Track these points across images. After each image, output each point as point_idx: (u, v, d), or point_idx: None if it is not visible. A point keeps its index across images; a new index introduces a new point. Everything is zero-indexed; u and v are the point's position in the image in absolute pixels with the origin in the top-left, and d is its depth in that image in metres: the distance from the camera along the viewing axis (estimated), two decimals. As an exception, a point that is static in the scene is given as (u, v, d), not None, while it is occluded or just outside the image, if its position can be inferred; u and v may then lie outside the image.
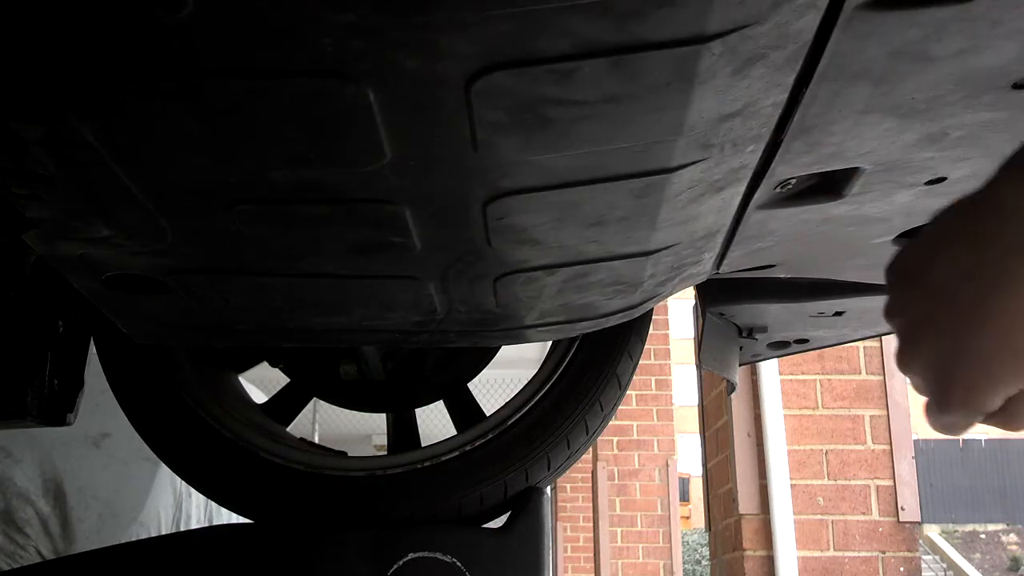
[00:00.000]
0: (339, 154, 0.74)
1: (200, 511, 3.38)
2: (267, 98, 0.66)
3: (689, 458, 16.35)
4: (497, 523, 1.50)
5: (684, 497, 15.11)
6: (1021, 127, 0.79)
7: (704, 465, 3.83)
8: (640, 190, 0.80)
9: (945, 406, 0.56)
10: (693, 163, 0.76)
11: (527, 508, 1.47)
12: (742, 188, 0.87)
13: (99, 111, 0.68)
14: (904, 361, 0.58)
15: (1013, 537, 21.22)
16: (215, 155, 0.74)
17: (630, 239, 0.92)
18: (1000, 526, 21.57)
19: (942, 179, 0.90)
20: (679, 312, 7.40)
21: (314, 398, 1.80)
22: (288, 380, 1.76)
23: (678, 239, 0.95)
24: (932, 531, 20.85)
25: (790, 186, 0.90)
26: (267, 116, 0.68)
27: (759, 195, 0.90)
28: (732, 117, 0.70)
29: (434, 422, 2.69)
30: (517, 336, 1.22)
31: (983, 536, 21.36)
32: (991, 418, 0.56)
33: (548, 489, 1.59)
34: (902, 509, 3.22)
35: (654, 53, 0.60)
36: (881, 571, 3.17)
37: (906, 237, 1.11)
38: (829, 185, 0.92)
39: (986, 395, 0.54)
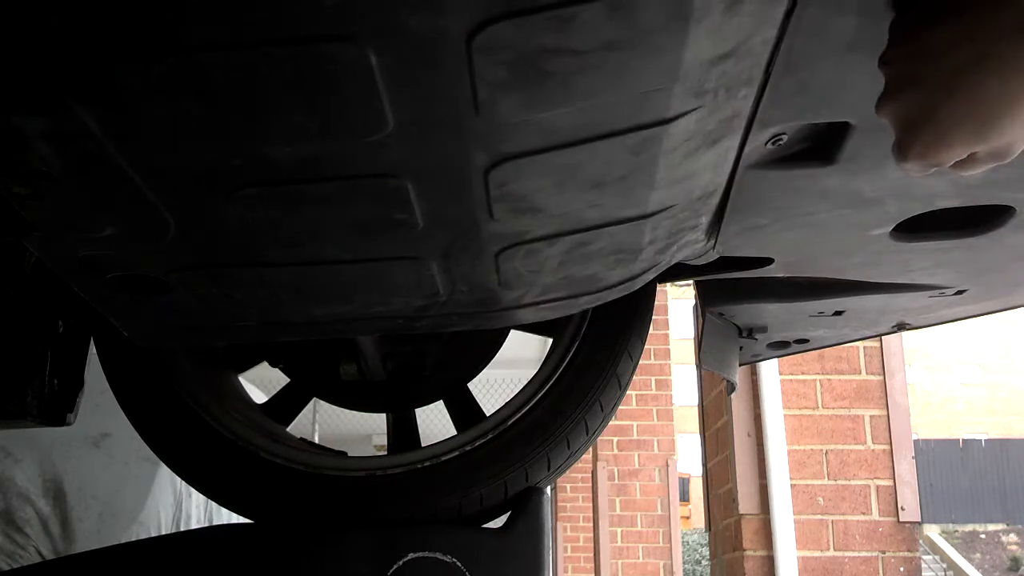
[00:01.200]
0: (341, 124, 0.74)
1: (200, 511, 3.39)
2: (268, 67, 0.66)
3: (689, 458, 16.36)
4: (497, 523, 1.50)
5: (684, 497, 15.12)
6: None
7: (704, 465, 3.83)
8: (638, 145, 0.81)
9: (903, 157, 0.65)
10: (689, 112, 0.77)
11: (527, 508, 1.47)
12: (736, 141, 0.88)
13: (101, 95, 0.68)
14: (881, 106, 0.66)
15: (1013, 537, 21.23)
16: (217, 134, 0.74)
17: (629, 201, 0.93)
18: (1000, 526, 21.58)
19: None
20: (679, 312, 7.40)
21: (314, 398, 1.80)
22: (288, 380, 1.77)
23: (675, 199, 0.95)
24: (932, 531, 20.86)
25: (782, 141, 0.90)
26: (268, 87, 0.68)
27: (752, 150, 0.91)
28: (725, 59, 0.71)
29: (434, 422, 2.69)
30: (519, 315, 1.22)
31: (983, 536, 21.36)
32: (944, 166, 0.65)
33: (548, 489, 1.59)
34: (902, 509, 3.22)
35: None
36: (881, 571, 3.17)
37: (902, 231, 1.11)
38: (820, 147, 0.92)
39: (940, 155, 0.63)
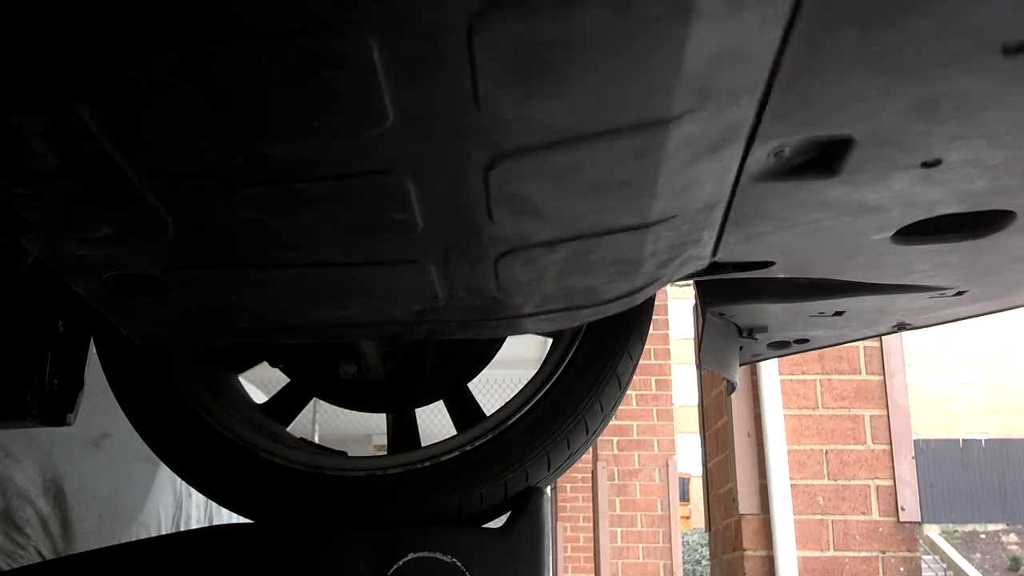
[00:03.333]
0: (342, 118, 0.74)
1: (200, 511, 3.39)
2: (269, 60, 0.66)
3: (689, 458, 16.37)
4: (497, 523, 1.50)
5: (684, 497, 15.13)
6: (1012, 102, 0.79)
7: (704, 465, 3.83)
8: (639, 148, 0.81)
9: None
10: (691, 112, 0.77)
11: (527, 508, 1.47)
12: (739, 150, 0.88)
13: (100, 91, 0.68)
14: None
15: (1013, 537, 21.24)
16: (217, 131, 0.74)
17: (630, 208, 0.92)
18: (1000, 526, 21.59)
19: (938, 161, 0.90)
20: (679, 312, 7.40)
21: (314, 398, 1.80)
22: (288, 380, 1.77)
23: (677, 209, 0.95)
24: (932, 531, 20.87)
25: (784, 155, 0.90)
26: (269, 81, 0.68)
27: (754, 162, 0.90)
28: (728, 58, 0.71)
29: (434, 422, 2.69)
30: (518, 325, 1.22)
31: (983, 536, 21.37)
32: None
33: (548, 489, 1.59)
34: (902, 509, 3.22)
35: None
36: (881, 571, 3.17)
37: (903, 234, 1.11)
38: (823, 160, 0.92)
39: None
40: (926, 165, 0.90)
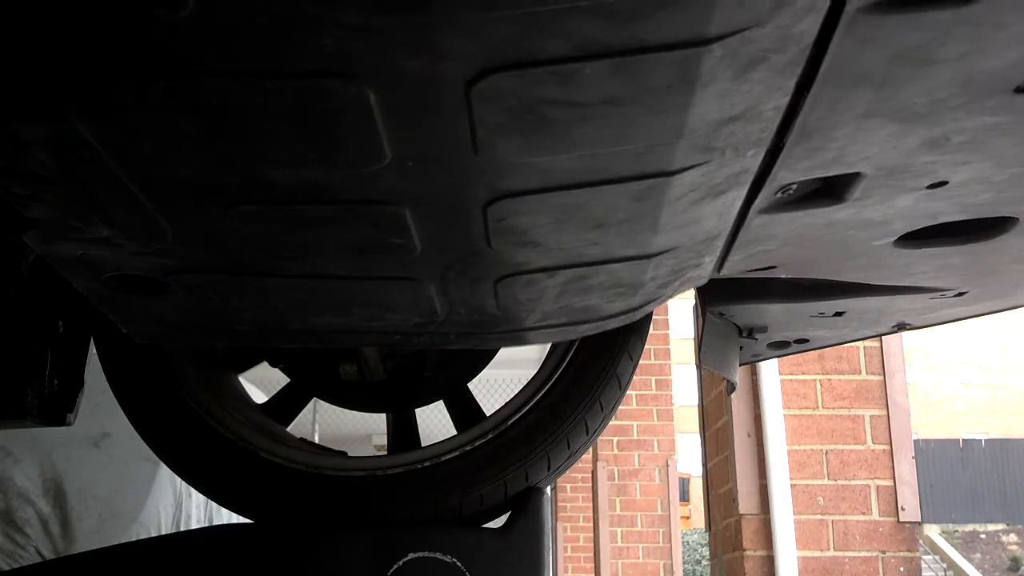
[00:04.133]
0: (339, 155, 0.73)
1: (200, 511, 3.39)
2: (266, 98, 0.66)
3: (689, 458, 16.36)
4: (497, 523, 1.50)
5: (684, 497, 15.11)
6: (1022, 130, 0.79)
7: (704, 465, 3.83)
8: (641, 193, 0.80)
9: None
10: (694, 167, 0.76)
11: (527, 508, 1.47)
12: (743, 192, 0.87)
13: (98, 111, 0.68)
14: None
15: (1013, 537, 21.23)
16: (214, 155, 0.74)
17: (631, 242, 0.92)
18: (1000, 526, 21.58)
19: (944, 183, 0.89)
20: (679, 312, 7.40)
21: (314, 398, 1.80)
22: (288, 380, 1.76)
23: (679, 242, 0.95)
24: (932, 531, 20.86)
25: (791, 191, 0.90)
26: (266, 117, 0.68)
27: (760, 200, 0.90)
28: (733, 121, 0.70)
29: (434, 422, 2.69)
30: (517, 338, 1.22)
31: (983, 536, 21.36)
32: None
33: (548, 489, 1.59)
34: (902, 509, 3.22)
35: (655, 55, 0.60)
36: (881, 571, 3.17)
37: (905, 239, 1.11)
38: (830, 190, 0.91)
39: None
40: (932, 187, 0.90)
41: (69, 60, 0.62)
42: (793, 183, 0.88)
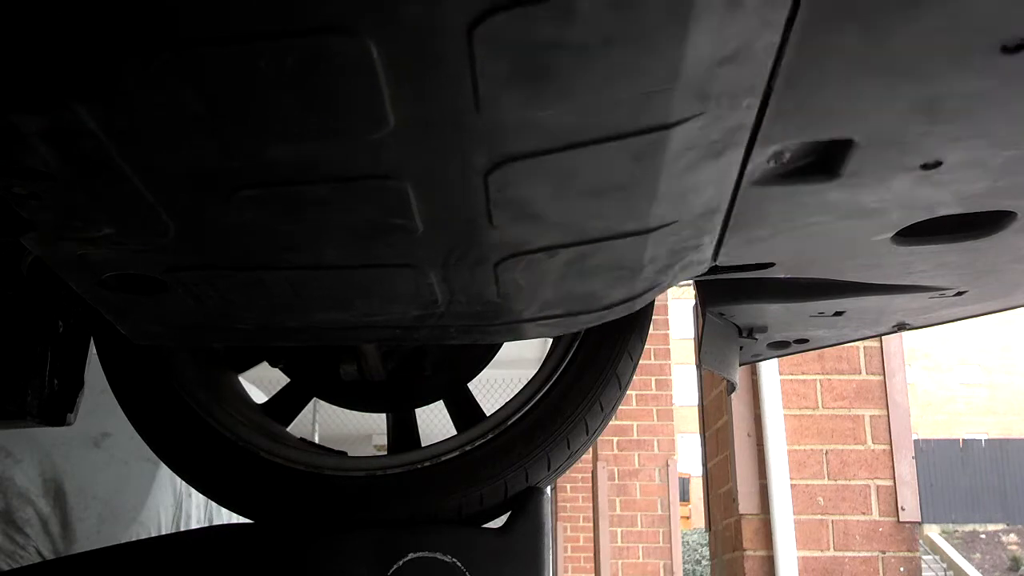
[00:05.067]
0: (342, 121, 0.74)
1: (200, 511, 3.39)
2: (268, 62, 0.66)
3: (689, 458, 16.37)
4: (497, 523, 1.50)
5: (684, 497, 15.12)
6: (1012, 102, 0.79)
7: (704, 465, 3.83)
8: (639, 151, 0.81)
9: None
10: (691, 117, 0.77)
11: (527, 508, 1.47)
12: (739, 155, 0.88)
13: (100, 92, 0.68)
14: None
15: (1013, 537, 21.24)
16: (216, 133, 0.74)
17: (630, 213, 0.93)
18: (1000, 526, 21.59)
19: (938, 163, 0.90)
20: (679, 312, 7.40)
21: (314, 398, 1.80)
22: (288, 380, 1.77)
23: (677, 215, 0.95)
24: (932, 531, 20.88)
25: (784, 159, 0.90)
26: (268, 82, 0.68)
27: (754, 167, 0.91)
28: (727, 61, 0.71)
29: (434, 422, 2.69)
30: (517, 331, 1.22)
31: (983, 536, 21.37)
32: None
33: (548, 489, 1.59)
34: (902, 509, 3.22)
35: None
36: (881, 571, 3.17)
37: (903, 235, 1.11)
38: (823, 163, 0.92)
39: None
40: (926, 167, 0.90)
41: (68, 41, 0.62)
42: (786, 149, 0.88)
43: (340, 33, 0.63)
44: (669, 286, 1.17)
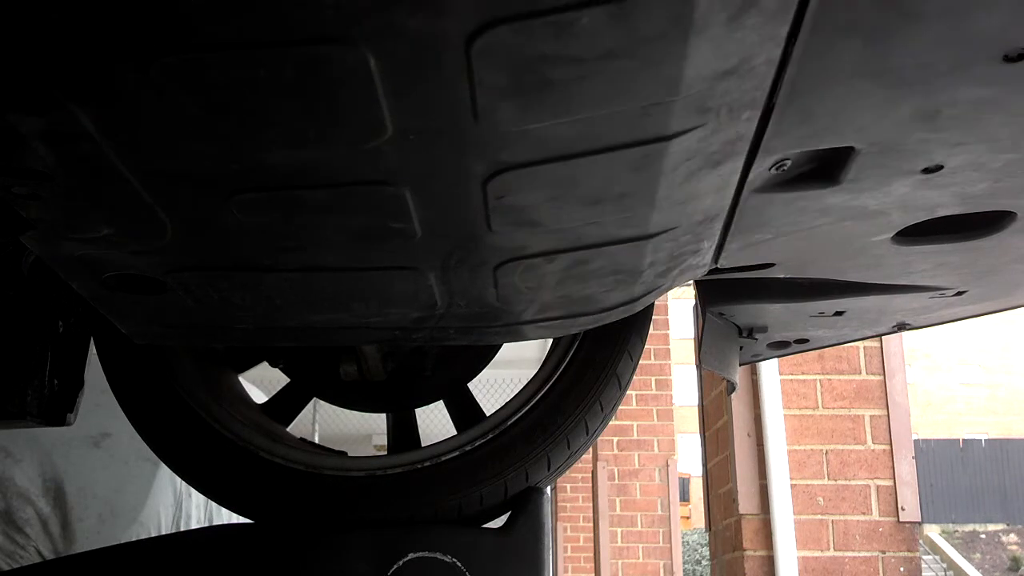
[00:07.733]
0: (340, 129, 0.73)
1: (200, 511, 3.39)
2: (266, 70, 0.66)
3: (689, 458, 16.36)
4: (497, 523, 1.50)
5: (684, 497, 15.11)
6: (1014, 108, 0.79)
7: (704, 465, 3.83)
8: (638, 161, 0.80)
9: None
10: (690, 129, 0.76)
11: (527, 508, 1.47)
12: (739, 164, 0.87)
13: (98, 95, 0.68)
14: None
15: (1013, 537, 21.23)
16: (214, 138, 0.74)
17: (629, 220, 0.92)
18: (1000, 526, 21.58)
19: (939, 167, 0.89)
20: (679, 312, 7.40)
21: (314, 398, 1.80)
22: (288, 380, 1.77)
23: (677, 222, 0.95)
24: (932, 531, 20.86)
25: (786, 167, 0.90)
26: (267, 90, 0.68)
27: (755, 175, 0.90)
28: (728, 75, 0.70)
29: (434, 422, 2.69)
30: (516, 332, 1.22)
31: (983, 536, 21.36)
32: None
33: (548, 489, 1.59)
34: (902, 509, 3.22)
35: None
36: (881, 571, 3.17)
37: (903, 235, 1.11)
38: (824, 169, 0.91)
39: None
40: (927, 171, 0.90)
41: (68, 44, 0.62)
42: (787, 158, 0.88)
43: (337, 43, 0.63)
44: (668, 289, 1.17)
